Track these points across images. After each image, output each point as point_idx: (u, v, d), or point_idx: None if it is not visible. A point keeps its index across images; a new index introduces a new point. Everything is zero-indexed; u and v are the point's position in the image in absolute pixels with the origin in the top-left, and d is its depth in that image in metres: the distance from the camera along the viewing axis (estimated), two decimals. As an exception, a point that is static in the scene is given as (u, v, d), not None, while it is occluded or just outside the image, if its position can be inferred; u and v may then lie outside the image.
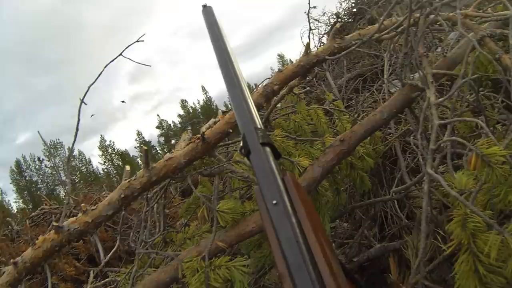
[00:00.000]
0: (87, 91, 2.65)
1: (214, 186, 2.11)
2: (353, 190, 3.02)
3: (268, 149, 0.71)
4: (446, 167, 1.81)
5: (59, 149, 60.10)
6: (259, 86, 2.40)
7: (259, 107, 2.25)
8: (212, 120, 3.05)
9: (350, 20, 12.68)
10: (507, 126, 1.82)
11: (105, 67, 2.64)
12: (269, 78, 2.31)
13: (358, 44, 2.22)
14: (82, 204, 2.03)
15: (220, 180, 2.24)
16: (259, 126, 0.74)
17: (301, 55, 2.35)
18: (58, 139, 60.50)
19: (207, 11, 1.07)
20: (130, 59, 2.56)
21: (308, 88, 3.66)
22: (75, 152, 60.53)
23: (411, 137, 2.88)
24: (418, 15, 2.19)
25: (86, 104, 2.65)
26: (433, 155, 1.55)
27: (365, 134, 2.01)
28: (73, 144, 3.21)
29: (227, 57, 0.83)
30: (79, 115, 2.63)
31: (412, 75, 2.22)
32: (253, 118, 0.76)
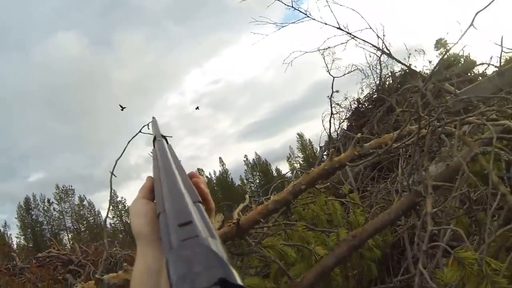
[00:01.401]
0: (115, 165, 3.00)
1: (243, 264, 2.46)
2: (361, 276, 3.24)
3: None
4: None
5: (70, 195, 60.54)
6: (289, 186, 2.80)
7: (287, 203, 2.66)
8: (242, 205, 3.44)
9: (370, 106, 13.25)
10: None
11: (128, 142, 2.95)
12: (295, 177, 2.71)
13: (374, 156, 2.64)
14: (125, 264, 2.32)
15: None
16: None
17: (326, 160, 2.78)
18: (71, 186, 61.30)
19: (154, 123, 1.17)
20: (150, 133, 2.91)
21: (328, 183, 4.05)
22: (85, 202, 60.78)
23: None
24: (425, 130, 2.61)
25: (116, 177, 3.02)
26: (425, 254, 1.92)
27: (374, 231, 2.39)
28: (107, 213, 3.60)
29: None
30: (111, 185, 2.99)
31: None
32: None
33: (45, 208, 59.95)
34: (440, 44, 21.32)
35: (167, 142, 1.00)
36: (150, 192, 0.80)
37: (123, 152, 3.02)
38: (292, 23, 11.00)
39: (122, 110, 10.35)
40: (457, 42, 3.10)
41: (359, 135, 2.91)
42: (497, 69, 11.23)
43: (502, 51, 10.21)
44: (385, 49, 11.52)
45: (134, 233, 0.74)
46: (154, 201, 0.77)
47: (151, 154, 0.98)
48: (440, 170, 2.80)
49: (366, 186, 6.17)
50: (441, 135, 2.63)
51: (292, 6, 10.43)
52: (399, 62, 11.91)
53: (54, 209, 60.12)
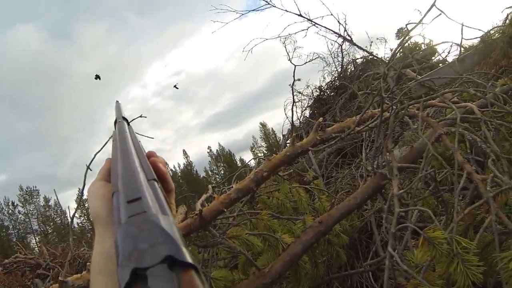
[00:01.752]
0: (93, 158, 2.90)
1: (210, 256, 2.37)
2: (331, 263, 3.24)
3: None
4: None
5: (34, 196, 58.55)
6: (251, 173, 2.73)
7: (249, 191, 2.58)
8: (204, 196, 3.34)
9: (332, 94, 13.36)
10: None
11: (108, 139, 2.87)
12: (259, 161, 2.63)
13: (337, 139, 2.58)
14: (88, 263, 2.23)
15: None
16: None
17: (287, 146, 2.71)
18: (35, 186, 59.10)
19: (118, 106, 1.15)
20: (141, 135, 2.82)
21: (292, 170, 3.99)
22: (51, 202, 59.11)
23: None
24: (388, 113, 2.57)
25: (91, 170, 2.90)
26: (394, 236, 1.87)
27: (341, 216, 2.34)
28: (74, 213, 3.44)
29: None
30: (84, 180, 2.87)
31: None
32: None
33: (10, 211, 57.98)
34: (401, 33, 21.64)
35: (129, 124, 0.98)
36: (109, 174, 0.78)
37: (103, 147, 2.99)
38: (253, 10, 10.96)
39: (96, 78, 9.94)
40: (416, 25, 3.10)
41: (320, 119, 2.86)
42: (457, 56, 11.48)
43: (462, 38, 10.47)
44: (346, 36, 11.65)
45: (92, 216, 0.73)
46: None
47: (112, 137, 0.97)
48: (404, 153, 2.77)
49: (330, 172, 6.18)
50: (404, 117, 2.59)
51: None
52: (361, 48, 11.99)
53: (19, 212, 58.13)
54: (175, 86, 11.21)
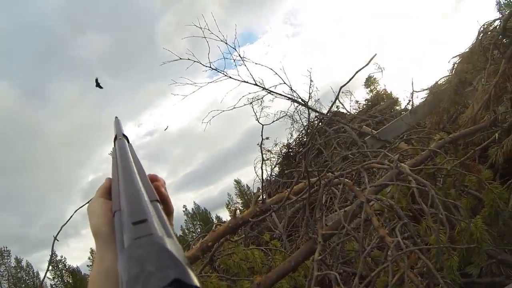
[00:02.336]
0: (60, 230, 3.16)
1: None
2: None
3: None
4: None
5: (5, 257, 56.44)
6: (197, 243, 3.17)
7: (197, 259, 3.02)
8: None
9: (300, 150, 13.84)
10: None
11: (75, 211, 3.18)
12: (205, 235, 3.09)
13: (274, 210, 3.07)
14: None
15: None
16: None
17: (229, 218, 3.19)
18: (6, 247, 57.00)
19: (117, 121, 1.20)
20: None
21: (244, 235, 4.43)
22: (23, 263, 57.20)
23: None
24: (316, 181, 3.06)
25: (58, 241, 3.19)
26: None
27: (277, 278, 2.78)
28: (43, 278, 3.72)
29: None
30: (52, 249, 3.14)
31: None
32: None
33: (-20, 271, 56.00)
34: (370, 81, 22.60)
35: (128, 142, 1.00)
36: (109, 192, 0.79)
37: (70, 217, 3.19)
38: (210, 82, 11.58)
39: (97, 86, 10.19)
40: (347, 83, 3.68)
41: (259, 192, 3.34)
42: (410, 107, 12.23)
43: (413, 91, 11.20)
44: (299, 100, 12.30)
45: (93, 233, 0.73)
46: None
47: (111, 154, 0.97)
48: (338, 218, 3.25)
49: (297, 228, 6.59)
50: (332, 187, 3.09)
51: (210, 67, 11.03)
52: (314, 110, 12.64)
53: (-11, 272, 56.22)
54: (165, 129, 11.44)
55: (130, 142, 1.00)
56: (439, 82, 11.37)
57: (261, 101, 12.03)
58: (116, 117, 1.20)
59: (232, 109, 11.47)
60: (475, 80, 8.46)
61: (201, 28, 10.66)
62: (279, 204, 3.23)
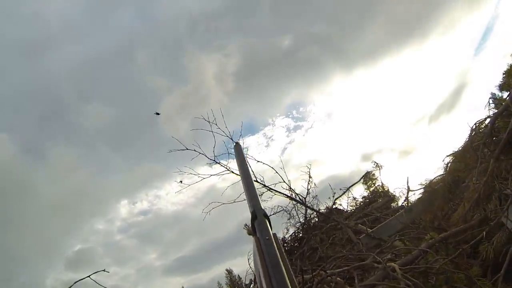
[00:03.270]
0: None
1: None
2: None
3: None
4: None
5: None
6: None
7: None
8: None
9: (295, 244, 13.61)
10: None
11: None
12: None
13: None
14: None
15: None
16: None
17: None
18: None
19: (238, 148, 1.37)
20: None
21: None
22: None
23: None
24: None
25: None
26: None
27: None
28: None
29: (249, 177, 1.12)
30: None
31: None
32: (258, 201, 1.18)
33: None
34: (368, 178, 22.68)
35: (269, 221, 1.08)
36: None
37: None
38: (213, 175, 11.76)
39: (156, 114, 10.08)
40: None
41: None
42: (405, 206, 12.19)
43: (408, 189, 11.29)
44: (298, 198, 12.37)
45: None
46: None
47: (246, 226, 1.09)
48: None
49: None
50: (324, 285, 3.02)
51: (214, 160, 11.25)
52: (312, 209, 12.75)
53: None
54: (157, 113, 11.19)
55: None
56: (433, 181, 11.50)
57: (260, 196, 12.09)
58: (265, 215, 1.20)
59: (232, 202, 11.49)
60: (467, 178, 8.57)
61: (208, 121, 11.03)
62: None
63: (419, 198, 10.75)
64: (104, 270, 6.00)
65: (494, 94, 11.87)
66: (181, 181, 11.33)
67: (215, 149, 11.13)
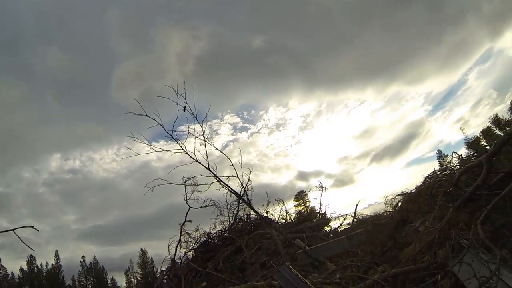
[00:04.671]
0: None
1: None
2: None
3: None
4: None
5: None
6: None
7: None
8: None
9: (219, 243, 13.39)
10: None
11: None
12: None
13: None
14: None
15: None
16: None
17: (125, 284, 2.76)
18: None
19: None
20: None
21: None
22: None
23: None
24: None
25: None
26: None
27: None
28: None
29: None
30: None
31: None
32: None
33: None
34: (300, 196, 23.12)
35: None
36: None
37: None
38: (166, 150, 11.32)
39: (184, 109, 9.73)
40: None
41: (204, 284, 3.04)
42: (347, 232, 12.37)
43: (355, 214, 11.45)
44: (245, 198, 12.20)
45: None
46: None
47: None
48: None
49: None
50: None
51: (171, 136, 10.81)
52: (257, 213, 12.59)
53: None
54: (184, 108, 10.87)
55: None
56: (382, 214, 11.72)
57: (195, 183, 11.77)
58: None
59: (180, 184, 11.14)
60: (417, 221, 8.76)
61: (177, 92, 10.56)
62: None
63: (363, 229, 10.88)
64: (33, 227, 5.49)
65: (455, 151, 12.43)
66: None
67: (169, 127, 10.77)
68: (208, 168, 10.81)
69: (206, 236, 13.75)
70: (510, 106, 43.31)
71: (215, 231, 13.93)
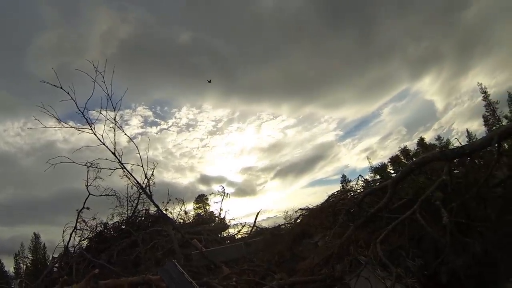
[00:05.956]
0: None
1: None
2: None
3: None
4: None
5: None
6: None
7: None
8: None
9: (115, 234, 12.82)
10: None
11: None
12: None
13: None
14: None
15: None
16: None
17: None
18: None
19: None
20: None
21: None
22: None
23: None
24: None
25: None
26: None
27: None
28: None
29: None
30: None
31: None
32: None
33: None
34: (201, 200, 22.95)
35: None
36: None
37: None
38: (75, 128, 10.70)
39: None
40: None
41: (97, 271, 2.89)
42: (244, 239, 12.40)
43: (254, 225, 11.52)
44: (147, 191, 11.82)
45: None
46: None
47: None
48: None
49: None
50: None
51: (82, 113, 10.20)
52: (157, 208, 12.26)
53: None
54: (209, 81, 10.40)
55: None
56: (282, 226, 11.89)
57: (98, 170, 11.21)
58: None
59: (84, 165, 10.48)
60: (317, 236, 8.97)
61: (96, 69, 9.96)
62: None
63: (262, 238, 10.96)
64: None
65: (360, 174, 12.91)
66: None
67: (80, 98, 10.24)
68: (114, 154, 10.32)
69: (102, 226, 13.15)
70: (417, 143, 46.83)
71: (112, 222, 13.33)
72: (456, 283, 5.31)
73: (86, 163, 10.72)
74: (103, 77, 9.68)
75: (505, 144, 6.67)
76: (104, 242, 12.33)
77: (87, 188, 11.47)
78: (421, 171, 7.33)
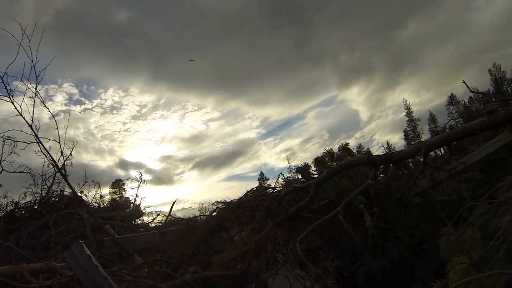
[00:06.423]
0: None
1: None
2: None
3: None
4: None
5: None
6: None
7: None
8: None
9: (26, 215, 11.92)
10: None
11: None
12: None
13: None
14: None
15: None
16: None
17: None
18: None
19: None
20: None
21: None
22: None
23: None
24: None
25: None
26: None
27: None
28: None
29: None
30: None
31: None
32: None
33: None
34: (117, 185, 22.21)
35: None
36: None
37: None
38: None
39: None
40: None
41: None
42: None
43: (169, 215, 11.09)
44: (62, 170, 11.03)
45: None
46: None
47: None
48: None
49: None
50: None
51: (1, 78, 9.21)
52: (72, 189, 11.50)
53: None
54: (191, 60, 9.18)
55: None
56: (197, 217, 11.57)
57: (15, 145, 10.34)
58: None
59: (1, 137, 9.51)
60: (233, 230, 8.77)
61: (23, 32, 9.02)
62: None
63: (177, 228, 10.58)
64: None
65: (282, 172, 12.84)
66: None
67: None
68: (30, 126, 9.47)
69: (13, 205, 12.15)
70: (338, 148, 48.26)
71: (24, 202, 12.38)
72: (372, 284, 5.36)
73: (3, 135, 9.77)
74: (29, 41, 8.79)
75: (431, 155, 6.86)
76: (15, 223, 11.40)
77: (0, 163, 10.54)
78: (345, 174, 7.35)
